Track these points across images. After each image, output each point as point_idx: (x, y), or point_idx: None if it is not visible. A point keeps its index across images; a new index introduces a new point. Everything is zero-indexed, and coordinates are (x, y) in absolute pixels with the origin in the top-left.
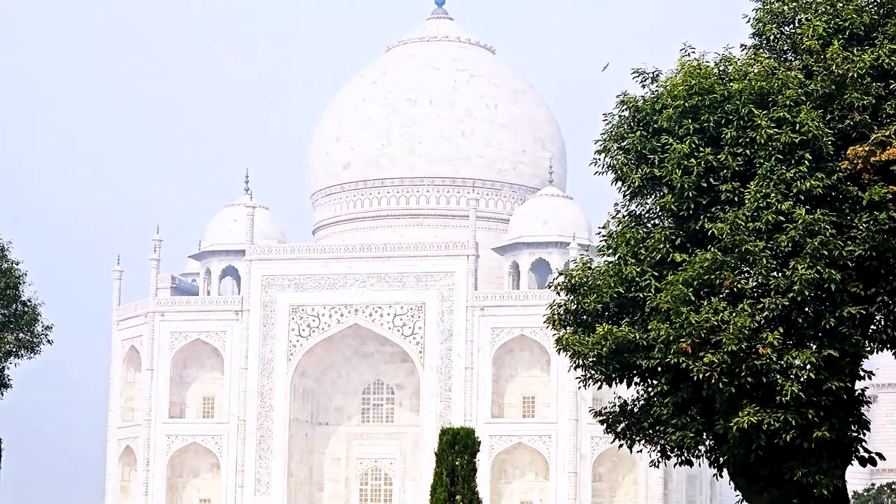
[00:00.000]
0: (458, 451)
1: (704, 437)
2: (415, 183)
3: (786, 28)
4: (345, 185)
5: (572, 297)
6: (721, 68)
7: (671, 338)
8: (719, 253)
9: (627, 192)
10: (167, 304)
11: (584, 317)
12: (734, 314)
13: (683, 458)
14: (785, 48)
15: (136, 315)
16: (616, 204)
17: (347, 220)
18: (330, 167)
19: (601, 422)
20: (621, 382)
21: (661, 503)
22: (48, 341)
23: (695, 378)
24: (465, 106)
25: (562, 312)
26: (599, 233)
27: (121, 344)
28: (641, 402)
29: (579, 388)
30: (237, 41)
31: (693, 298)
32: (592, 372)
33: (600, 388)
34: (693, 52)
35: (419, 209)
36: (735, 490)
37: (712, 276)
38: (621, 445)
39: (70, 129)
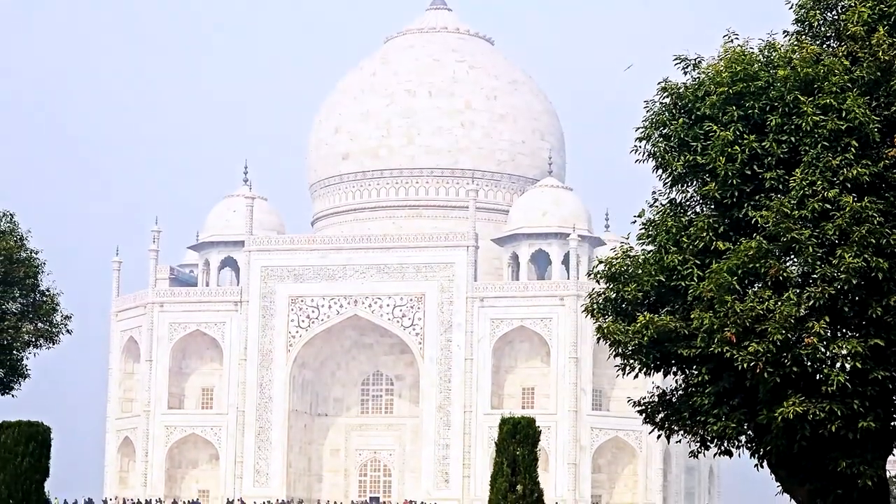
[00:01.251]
0: (518, 440)
1: (745, 427)
2: (414, 174)
3: (829, 14)
4: (344, 177)
5: (612, 285)
6: (765, 55)
7: (715, 327)
8: (764, 241)
9: (667, 180)
10: (166, 294)
11: (624, 305)
12: (779, 303)
13: (723, 448)
14: (828, 34)
15: (135, 306)
16: (653, 192)
17: (346, 212)
18: (329, 158)
19: (640, 412)
20: (660, 371)
21: (660, 495)
22: (67, 331)
23: (738, 368)
24: (465, 97)
25: (601, 301)
26: (634, 221)
27: (119, 335)
28: (680, 393)
29: (617, 376)
30: (237, 32)
31: (737, 287)
32: (632, 361)
33: (636, 377)
34: (736, 38)
35: (418, 200)
36: (776, 482)
37: (757, 265)
38: (659, 436)
39: (68, 121)
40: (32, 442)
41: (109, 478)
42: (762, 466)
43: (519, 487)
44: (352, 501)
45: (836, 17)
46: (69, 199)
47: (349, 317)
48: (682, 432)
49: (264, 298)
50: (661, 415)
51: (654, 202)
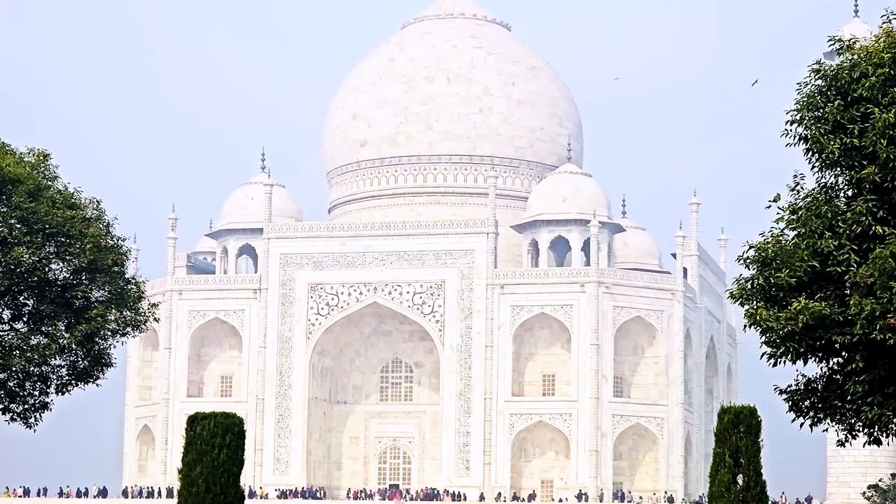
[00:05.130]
0: (742, 431)
1: None
2: (432, 161)
3: None
4: (361, 163)
5: (763, 270)
6: None
7: (877, 313)
8: None
9: (819, 164)
10: (185, 282)
11: (774, 291)
12: None
13: (874, 436)
14: None
15: (153, 294)
16: (795, 175)
17: (364, 199)
18: (346, 145)
19: (786, 400)
20: (808, 359)
21: (681, 482)
22: (155, 319)
23: None
24: (483, 83)
25: (749, 287)
26: (769, 206)
27: None
28: (824, 380)
29: (770, 364)
30: (253, 19)
31: None
32: (782, 348)
33: (781, 364)
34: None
35: (436, 187)
36: None
37: None
38: (802, 424)
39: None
40: (229, 433)
41: (128, 466)
42: None
43: (740, 479)
44: (361, 489)
45: None
46: (84, 187)
47: (369, 304)
48: (829, 420)
49: (283, 286)
50: (807, 402)
51: (796, 186)
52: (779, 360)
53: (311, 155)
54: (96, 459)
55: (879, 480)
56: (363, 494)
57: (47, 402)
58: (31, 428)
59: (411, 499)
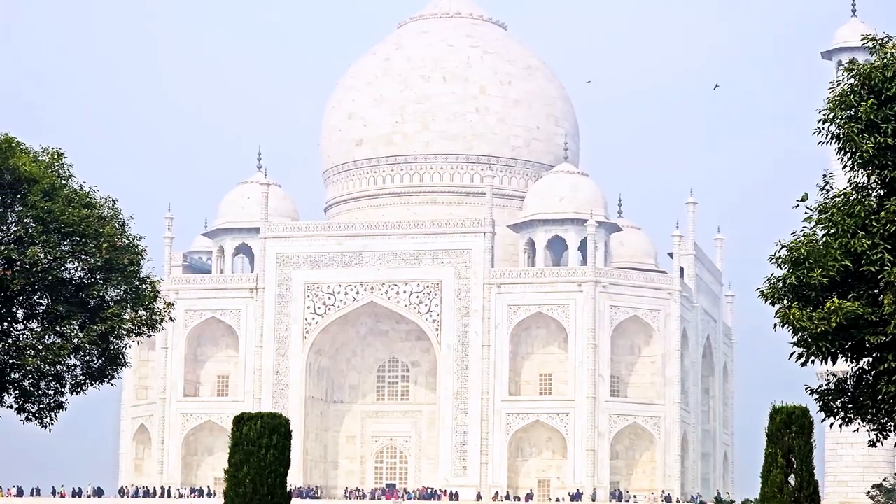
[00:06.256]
0: (794, 431)
1: None
2: (428, 160)
3: None
4: (357, 163)
5: (795, 270)
6: None
7: None
8: None
9: (851, 163)
10: (181, 282)
11: (806, 291)
12: None
13: None
14: None
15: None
16: (825, 175)
17: (360, 198)
18: (342, 144)
19: (816, 400)
20: (839, 359)
21: (678, 481)
22: (171, 318)
23: None
24: (479, 82)
25: (781, 286)
26: (797, 206)
27: None
28: (854, 380)
29: (799, 364)
30: (250, 19)
31: None
32: (813, 347)
33: (809, 363)
34: None
35: (433, 186)
36: None
37: None
38: (832, 424)
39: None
40: (276, 434)
41: (125, 466)
42: None
43: (792, 480)
44: (357, 489)
45: None
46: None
47: (365, 303)
48: (859, 420)
49: (280, 285)
50: (839, 402)
51: (825, 186)
52: (809, 359)
53: (307, 154)
54: (92, 459)
55: (884, 480)
56: (360, 494)
57: (62, 402)
58: (46, 427)
59: (408, 498)
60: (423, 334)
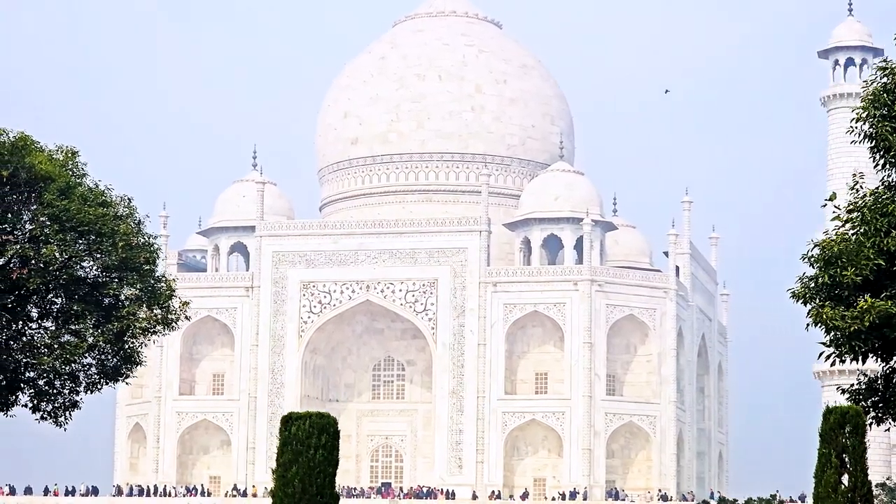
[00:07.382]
0: (848, 432)
1: None
2: (424, 159)
3: None
4: (353, 161)
5: (827, 269)
6: None
7: None
8: None
9: (884, 161)
10: (177, 281)
11: (837, 290)
12: None
13: None
14: None
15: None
16: (854, 174)
17: (356, 196)
18: (338, 143)
19: (848, 399)
20: (869, 358)
21: (674, 480)
22: (186, 317)
23: None
24: (474, 81)
25: (812, 285)
26: (825, 205)
27: None
28: (883, 378)
29: (832, 363)
30: (244, 16)
31: None
32: (846, 346)
33: (840, 362)
34: None
35: (428, 185)
36: None
37: None
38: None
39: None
40: (324, 434)
41: (120, 464)
42: None
43: (845, 479)
44: (353, 488)
45: None
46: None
47: (361, 302)
48: (890, 419)
49: (276, 284)
50: (870, 401)
51: (855, 185)
52: (839, 358)
53: (303, 153)
54: (87, 458)
55: (887, 479)
56: (355, 492)
57: (77, 401)
58: (61, 427)
59: (404, 497)
60: (419, 333)
